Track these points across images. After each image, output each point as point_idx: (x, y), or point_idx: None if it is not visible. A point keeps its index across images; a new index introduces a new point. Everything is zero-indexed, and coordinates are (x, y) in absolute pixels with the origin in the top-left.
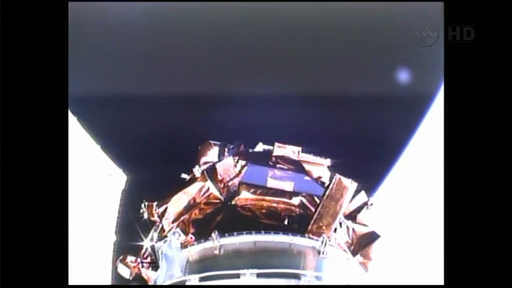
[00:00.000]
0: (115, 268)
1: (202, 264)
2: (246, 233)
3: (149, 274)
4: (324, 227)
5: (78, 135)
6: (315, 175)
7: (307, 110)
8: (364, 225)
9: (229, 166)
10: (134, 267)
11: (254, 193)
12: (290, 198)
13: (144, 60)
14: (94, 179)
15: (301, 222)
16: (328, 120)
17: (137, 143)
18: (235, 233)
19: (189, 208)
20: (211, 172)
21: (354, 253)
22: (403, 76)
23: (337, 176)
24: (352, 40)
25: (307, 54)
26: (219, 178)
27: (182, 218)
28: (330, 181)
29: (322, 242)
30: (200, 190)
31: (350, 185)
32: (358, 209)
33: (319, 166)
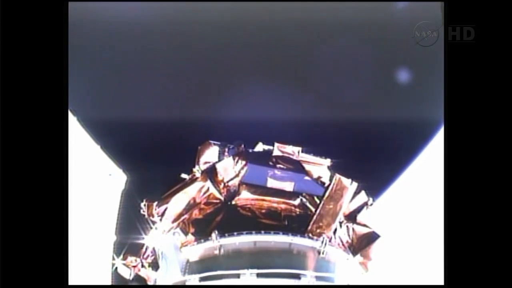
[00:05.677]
0: (115, 268)
1: (202, 264)
2: (246, 233)
3: (149, 274)
4: (324, 227)
5: (78, 135)
6: (315, 175)
7: (307, 111)
8: (364, 225)
9: (229, 166)
10: (134, 267)
11: (254, 193)
12: (290, 198)
13: (145, 59)
14: (94, 179)
15: (301, 222)
16: (329, 120)
17: (137, 143)
18: (235, 233)
19: (189, 208)
20: (211, 172)
21: (354, 253)
22: (404, 76)
23: (337, 176)
24: (352, 40)
25: (307, 54)
26: (219, 178)
27: (182, 218)
28: (330, 181)
29: (322, 242)
30: (200, 190)
31: (350, 185)
32: (358, 209)
33: (319, 166)
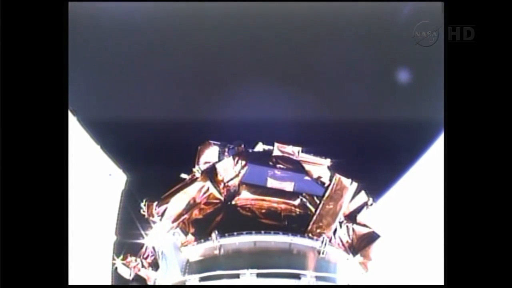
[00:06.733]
0: (115, 268)
1: (202, 264)
2: (246, 233)
3: (149, 274)
4: (324, 227)
5: (78, 135)
6: (315, 175)
7: (307, 111)
8: (364, 225)
9: (229, 166)
10: (134, 267)
11: (254, 193)
12: (290, 198)
13: (144, 59)
14: (94, 179)
15: (301, 222)
16: (329, 120)
17: (137, 143)
18: (235, 233)
19: (189, 208)
20: (211, 172)
21: (354, 253)
22: (404, 76)
23: (337, 176)
24: (353, 41)
25: (308, 54)
26: (219, 178)
27: (182, 218)
28: (330, 181)
29: (322, 242)
30: (200, 190)
31: (350, 185)
32: (358, 209)
33: (319, 166)
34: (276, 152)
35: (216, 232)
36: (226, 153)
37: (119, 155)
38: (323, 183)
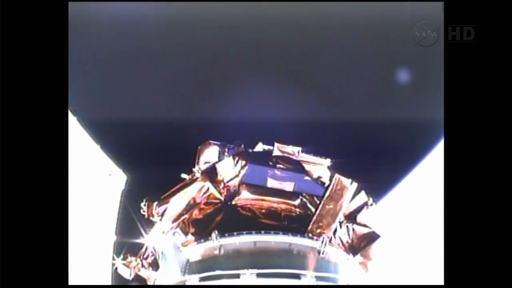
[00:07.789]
0: (115, 268)
1: (202, 264)
2: (246, 233)
3: (149, 274)
4: (324, 227)
5: (78, 135)
6: (315, 175)
7: (307, 111)
8: (364, 225)
9: (229, 166)
10: (134, 267)
11: (254, 193)
12: (290, 198)
13: (144, 59)
14: (94, 179)
15: (301, 222)
16: (329, 120)
17: (137, 143)
18: (235, 233)
19: (189, 208)
20: (211, 172)
21: (354, 253)
22: (405, 76)
23: (337, 176)
24: (353, 40)
25: (308, 54)
26: (219, 178)
27: (182, 218)
28: (330, 181)
29: (322, 242)
30: (200, 190)
31: (350, 185)
32: (358, 209)
33: (319, 166)
34: (276, 152)
35: (216, 232)
36: (226, 153)
37: (119, 155)
38: (323, 183)
